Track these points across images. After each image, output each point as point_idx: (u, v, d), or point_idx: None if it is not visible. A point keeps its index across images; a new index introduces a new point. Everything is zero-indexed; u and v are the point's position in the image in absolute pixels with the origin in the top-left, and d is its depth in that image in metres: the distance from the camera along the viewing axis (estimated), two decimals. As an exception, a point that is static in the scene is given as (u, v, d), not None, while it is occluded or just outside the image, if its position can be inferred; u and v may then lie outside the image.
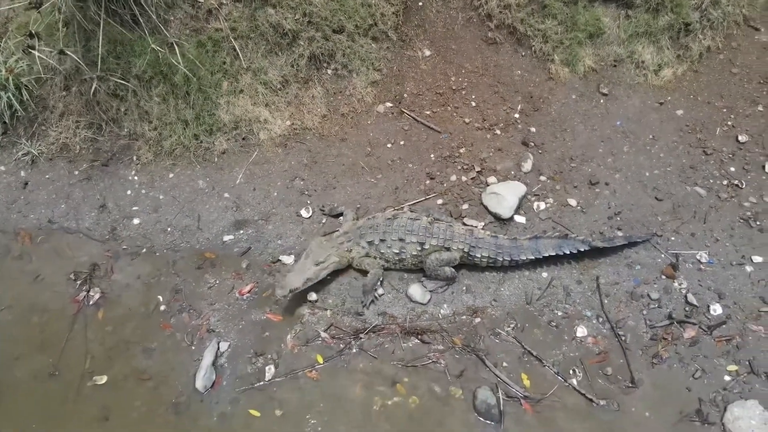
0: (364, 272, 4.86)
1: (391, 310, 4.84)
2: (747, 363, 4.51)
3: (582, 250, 4.87)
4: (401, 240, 4.76)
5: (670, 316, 4.77)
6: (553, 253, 4.84)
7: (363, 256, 4.88)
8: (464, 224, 5.08)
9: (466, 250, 4.75)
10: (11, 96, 5.57)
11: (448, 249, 4.77)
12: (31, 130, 5.87)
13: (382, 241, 4.79)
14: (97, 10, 5.06)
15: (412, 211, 5.10)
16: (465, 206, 5.47)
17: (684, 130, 5.93)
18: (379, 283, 4.84)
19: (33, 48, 4.97)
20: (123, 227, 5.41)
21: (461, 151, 5.83)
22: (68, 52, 5.06)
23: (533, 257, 4.83)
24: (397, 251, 4.78)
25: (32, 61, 5.25)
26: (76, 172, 5.74)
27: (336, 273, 4.97)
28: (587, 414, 4.32)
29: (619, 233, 5.26)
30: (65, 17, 5.22)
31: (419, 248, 4.76)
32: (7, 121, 5.80)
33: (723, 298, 4.85)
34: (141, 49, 5.48)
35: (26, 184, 5.70)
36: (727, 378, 4.45)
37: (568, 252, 4.84)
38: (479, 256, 4.77)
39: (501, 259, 4.79)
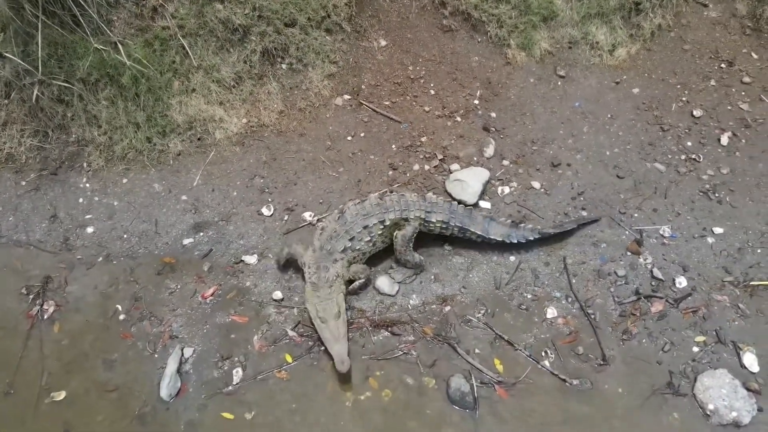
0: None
1: (360, 303, 4.76)
2: (714, 333, 4.56)
3: (531, 239, 4.82)
4: (365, 228, 4.66)
5: (637, 291, 4.78)
6: (500, 239, 4.79)
7: (348, 268, 4.67)
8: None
9: (422, 216, 4.74)
10: (-51, 107, 5.28)
11: (406, 219, 4.67)
12: (-27, 141, 5.57)
13: (351, 239, 4.64)
14: (34, 11, 4.82)
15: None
16: (430, 194, 5.38)
17: (641, 108, 5.99)
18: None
19: (-32, 53, 4.73)
20: (76, 237, 5.20)
21: (423, 140, 5.77)
22: (8, 55, 4.81)
23: (482, 235, 4.78)
24: (369, 239, 4.70)
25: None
26: (24, 183, 5.49)
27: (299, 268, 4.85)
28: (561, 394, 4.29)
29: (584, 213, 5.26)
30: (1, 21, 4.97)
31: (381, 226, 4.69)
32: (-54, 134, 5.49)
33: (687, 271, 4.90)
34: (84, 51, 5.27)
35: (-30, 198, 5.41)
36: (695, 349, 4.48)
37: (515, 242, 4.79)
38: (435, 220, 4.76)
39: (453, 225, 4.78)
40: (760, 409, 4.16)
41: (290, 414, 4.20)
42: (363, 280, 4.70)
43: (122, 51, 5.16)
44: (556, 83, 6.18)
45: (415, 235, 4.75)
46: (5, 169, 5.55)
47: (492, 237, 4.82)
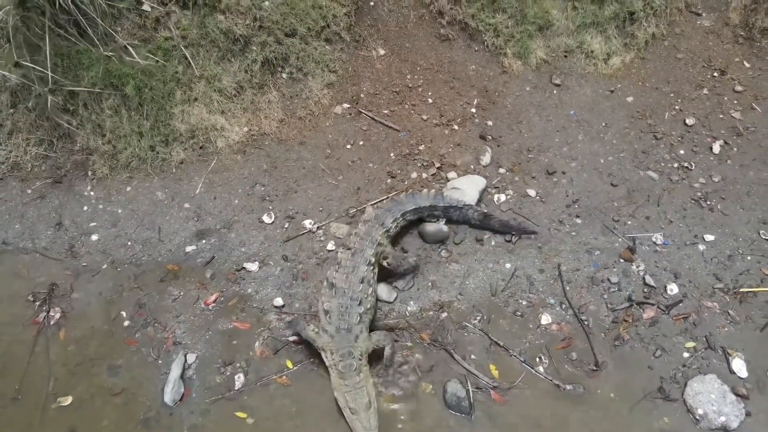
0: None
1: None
2: (704, 339, 4.67)
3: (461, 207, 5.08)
4: (363, 281, 4.50)
5: (630, 298, 4.90)
6: (446, 204, 5.07)
7: (370, 338, 4.47)
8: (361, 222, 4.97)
9: (386, 231, 4.84)
10: (-44, 116, 5.39)
11: (381, 244, 4.75)
12: (-21, 150, 5.69)
13: (360, 303, 4.43)
14: (42, 21, 4.94)
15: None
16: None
17: (635, 116, 6.10)
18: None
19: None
20: (81, 244, 5.30)
21: (420, 148, 5.88)
22: (24, 63, 4.93)
23: (434, 205, 5.07)
24: (370, 288, 4.59)
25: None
26: (29, 191, 5.60)
27: (299, 280, 4.97)
28: (555, 399, 4.41)
29: (578, 220, 5.38)
30: (8, 32, 5.08)
31: (372, 268, 4.66)
32: (-48, 143, 5.61)
33: (679, 278, 5.01)
34: (89, 62, 5.38)
35: (-23, 205, 5.52)
36: (686, 355, 4.60)
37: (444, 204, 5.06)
38: (392, 224, 4.89)
39: (407, 213, 5.00)
40: (748, 414, 4.27)
41: (291, 418, 4.31)
42: (389, 347, 4.50)
43: (133, 52, 5.27)
44: (551, 92, 6.29)
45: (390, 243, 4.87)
46: (11, 177, 5.65)
47: (438, 203, 5.06)
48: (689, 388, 4.38)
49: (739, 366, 4.49)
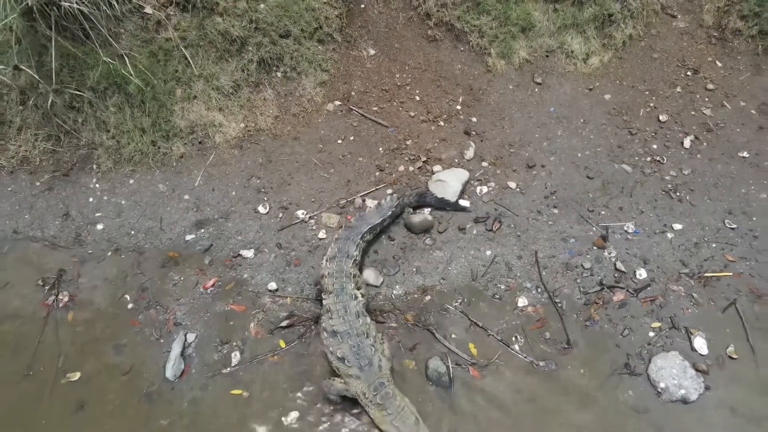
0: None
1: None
2: (669, 319, 5.01)
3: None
4: (357, 313, 4.65)
5: (601, 282, 5.24)
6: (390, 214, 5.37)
7: (386, 356, 4.59)
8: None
9: (354, 267, 4.99)
10: (-32, 113, 5.73)
11: (355, 276, 4.92)
12: (-10, 145, 6.02)
13: (367, 336, 4.56)
14: (48, 27, 5.28)
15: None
16: (413, 193, 5.85)
17: (611, 113, 6.44)
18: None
19: (-12, 66, 5.19)
20: (87, 233, 5.64)
21: (408, 143, 6.22)
22: (23, 67, 5.28)
23: (383, 219, 5.34)
24: (363, 311, 4.74)
25: (-11, 76, 5.45)
26: (38, 183, 5.93)
27: (291, 266, 5.30)
28: (529, 374, 4.75)
29: (555, 210, 5.72)
30: (17, 35, 5.42)
31: (356, 295, 4.79)
32: (-37, 138, 5.94)
33: (648, 264, 5.35)
34: (93, 62, 5.71)
35: (-12, 197, 5.86)
36: (651, 334, 4.94)
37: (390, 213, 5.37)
38: (355, 248, 5.06)
39: (365, 231, 5.21)
40: (707, 388, 4.61)
41: (284, 393, 4.65)
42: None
43: (128, 63, 5.60)
44: (533, 90, 6.63)
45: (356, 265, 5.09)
46: (21, 171, 5.98)
47: (387, 214, 5.36)
48: (653, 364, 4.71)
49: (700, 344, 4.83)
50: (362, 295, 4.85)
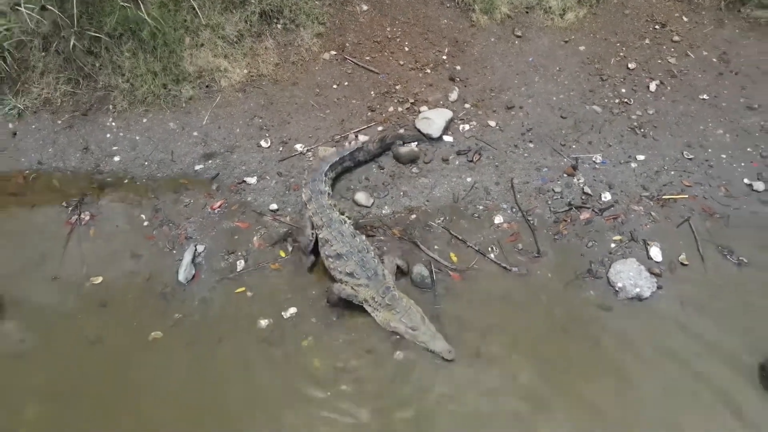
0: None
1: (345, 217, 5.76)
2: (629, 233, 5.60)
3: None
4: (353, 235, 5.19)
5: (570, 203, 5.83)
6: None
7: (392, 263, 5.22)
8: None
9: (329, 199, 5.54)
10: (-6, 59, 6.32)
11: (334, 205, 5.51)
12: (15, 88, 6.60)
13: (367, 249, 5.14)
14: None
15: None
16: (401, 130, 6.45)
17: (585, 62, 7.03)
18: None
19: (19, 5, 5.76)
20: (105, 164, 6.23)
21: (397, 87, 6.81)
22: (49, 7, 5.86)
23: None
24: (360, 234, 5.26)
25: (19, 19, 6.02)
26: (59, 122, 6.51)
27: (291, 190, 5.86)
28: (502, 278, 5.33)
29: (531, 145, 6.31)
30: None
31: (345, 224, 5.31)
32: (-9, 82, 6.53)
33: (612, 188, 5.94)
34: (110, 9, 6.30)
35: (15, 134, 6.45)
36: (612, 245, 5.53)
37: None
38: (322, 183, 5.62)
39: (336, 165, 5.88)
40: (659, 287, 5.19)
41: (282, 293, 5.23)
42: (401, 261, 5.29)
43: (143, 8, 6.20)
44: (513, 42, 7.22)
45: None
46: (44, 111, 6.56)
47: (345, 154, 5.92)
48: (612, 268, 5.29)
49: (655, 252, 5.42)
50: (348, 218, 5.44)
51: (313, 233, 5.39)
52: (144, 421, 4.43)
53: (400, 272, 5.31)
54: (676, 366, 4.70)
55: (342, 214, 5.45)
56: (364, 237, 5.27)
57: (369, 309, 5.00)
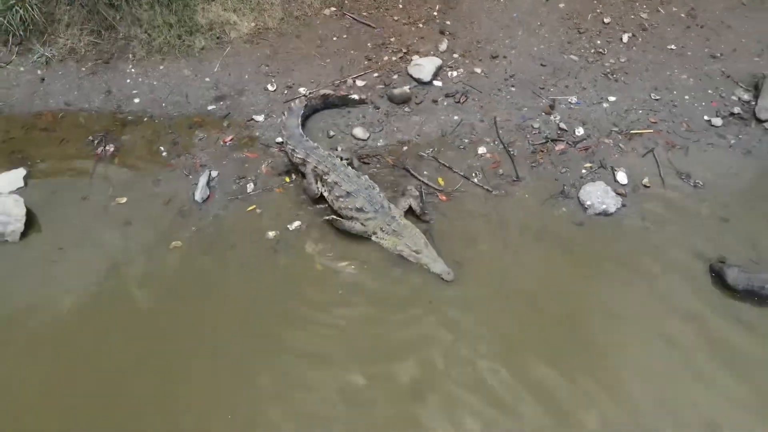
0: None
1: (341, 146, 6.43)
2: (599, 161, 6.25)
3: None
4: (358, 175, 5.72)
5: (547, 137, 6.48)
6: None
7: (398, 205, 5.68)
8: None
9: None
10: (23, 13, 6.97)
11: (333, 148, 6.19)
12: (43, 39, 7.25)
13: (373, 186, 5.68)
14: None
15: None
16: (395, 77, 7.10)
17: (564, 18, 7.67)
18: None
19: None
20: (126, 105, 6.87)
21: (392, 40, 7.45)
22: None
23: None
24: (362, 173, 5.80)
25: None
26: (83, 69, 7.16)
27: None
28: (485, 199, 5.98)
29: (513, 89, 6.95)
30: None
31: (348, 164, 5.89)
32: (21, 33, 7.18)
33: (585, 125, 6.60)
34: (131, -36, 6.94)
35: (43, 79, 7.09)
36: (583, 171, 6.18)
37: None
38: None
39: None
40: (623, 205, 5.84)
41: (287, 210, 5.88)
42: (413, 200, 5.75)
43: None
44: (499, 0, 7.86)
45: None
46: (69, 59, 7.20)
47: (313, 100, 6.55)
48: (582, 189, 5.94)
49: (621, 177, 6.07)
50: (347, 159, 6.03)
51: (318, 187, 5.92)
52: (160, 310, 5.12)
53: (411, 212, 5.81)
54: (637, 266, 5.37)
55: (340, 158, 5.95)
56: (367, 177, 5.80)
57: (377, 239, 5.57)
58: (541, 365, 4.73)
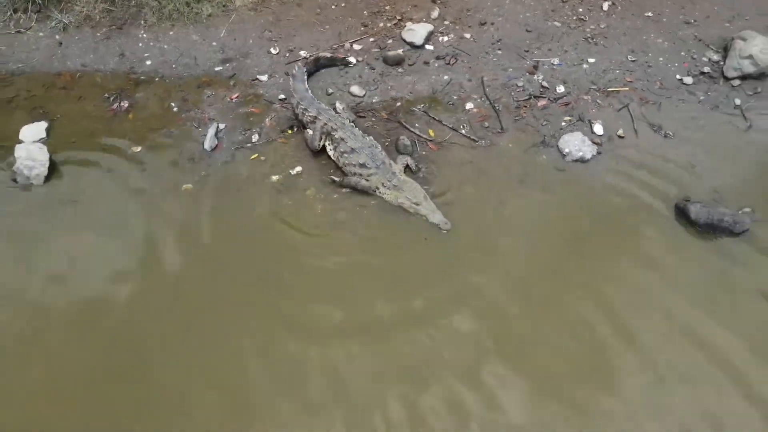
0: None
1: (339, 102, 6.94)
2: (578, 115, 6.76)
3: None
4: (364, 135, 6.20)
5: (530, 94, 6.99)
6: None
7: (398, 162, 6.16)
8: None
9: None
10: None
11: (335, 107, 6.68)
12: (60, 6, 7.76)
13: (375, 145, 6.13)
14: None
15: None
16: (390, 41, 7.61)
17: (549, -12, 8.17)
18: None
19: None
20: (138, 66, 7.39)
21: (387, 8, 7.96)
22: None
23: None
24: (359, 129, 6.27)
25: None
26: (98, 34, 7.67)
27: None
28: (471, 148, 6.50)
29: (499, 52, 7.47)
30: None
31: (352, 123, 6.40)
32: (40, 2, 7.69)
33: (566, 83, 7.11)
34: (144, -65, 7.45)
35: (61, 43, 7.60)
36: (563, 124, 6.69)
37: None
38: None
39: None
40: (599, 153, 6.36)
41: (287, 158, 6.40)
42: (410, 159, 6.22)
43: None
44: (488, -27, 8.36)
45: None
46: (85, 25, 7.72)
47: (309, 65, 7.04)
48: (561, 139, 6.46)
49: (598, 128, 6.58)
50: (351, 120, 6.55)
51: (320, 143, 6.41)
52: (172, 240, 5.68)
53: (408, 169, 6.29)
54: (609, 206, 5.90)
55: (346, 119, 6.43)
56: (372, 137, 6.28)
57: (379, 194, 6.01)
58: (515, 281, 5.28)
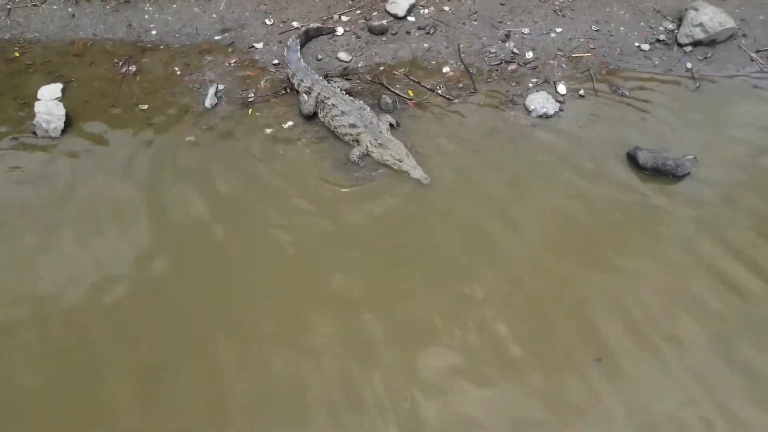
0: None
1: (327, 67, 7.65)
2: (544, 77, 7.47)
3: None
4: (353, 100, 6.82)
5: (502, 59, 7.70)
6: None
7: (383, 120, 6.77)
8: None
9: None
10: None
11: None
12: (72, -19, 8.46)
13: (364, 108, 6.75)
14: None
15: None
16: (375, 13, 8.31)
17: (523, -33, 8.87)
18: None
19: None
20: (145, 36, 8.08)
21: (373, -16, 8.66)
22: None
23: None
24: (350, 97, 6.88)
25: None
26: (108, 7, 8.36)
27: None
28: (447, 105, 7.21)
29: (475, 23, 8.17)
30: None
31: (340, 90, 6.96)
32: (53, -22, 8.39)
33: (535, 50, 7.81)
34: None
35: (73, 15, 8.30)
36: (530, 85, 7.39)
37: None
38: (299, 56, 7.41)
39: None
40: (561, 109, 7.07)
41: (282, 116, 7.11)
42: (392, 119, 6.86)
43: None
44: (467, -48, 9.06)
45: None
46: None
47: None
48: (528, 98, 7.16)
49: (561, 88, 7.29)
50: (345, 90, 7.25)
51: (313, 111, 7.05)
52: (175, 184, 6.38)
53: (392, 126, 6.98)
54: (568, 156, 6.62)
55: (340, 90, 7.08)
56: (361, 101, 6.93)
57: (369, 150, 6.62)
58: (492, 206, 6.15)
